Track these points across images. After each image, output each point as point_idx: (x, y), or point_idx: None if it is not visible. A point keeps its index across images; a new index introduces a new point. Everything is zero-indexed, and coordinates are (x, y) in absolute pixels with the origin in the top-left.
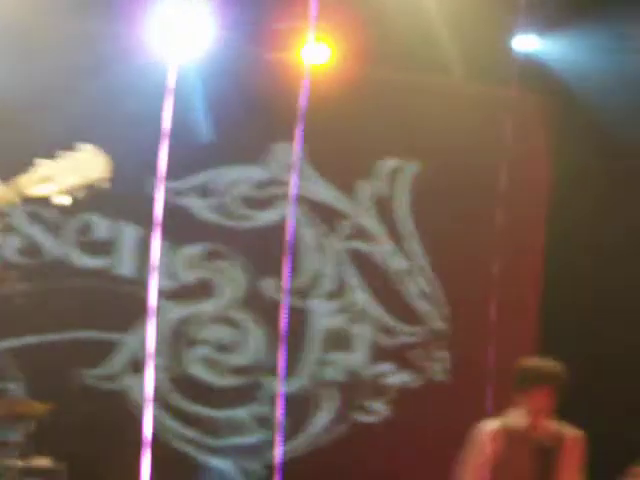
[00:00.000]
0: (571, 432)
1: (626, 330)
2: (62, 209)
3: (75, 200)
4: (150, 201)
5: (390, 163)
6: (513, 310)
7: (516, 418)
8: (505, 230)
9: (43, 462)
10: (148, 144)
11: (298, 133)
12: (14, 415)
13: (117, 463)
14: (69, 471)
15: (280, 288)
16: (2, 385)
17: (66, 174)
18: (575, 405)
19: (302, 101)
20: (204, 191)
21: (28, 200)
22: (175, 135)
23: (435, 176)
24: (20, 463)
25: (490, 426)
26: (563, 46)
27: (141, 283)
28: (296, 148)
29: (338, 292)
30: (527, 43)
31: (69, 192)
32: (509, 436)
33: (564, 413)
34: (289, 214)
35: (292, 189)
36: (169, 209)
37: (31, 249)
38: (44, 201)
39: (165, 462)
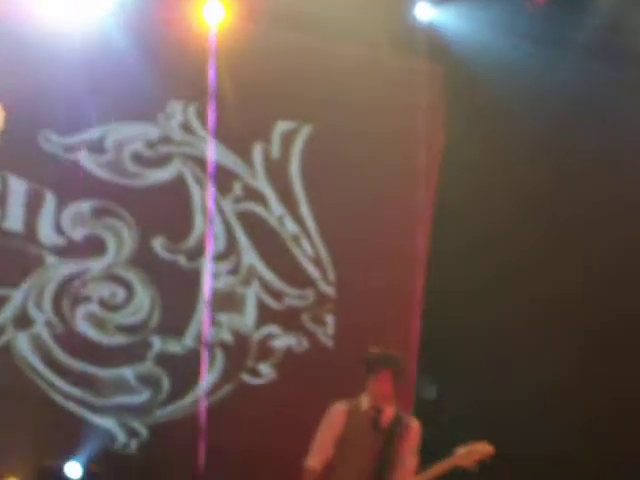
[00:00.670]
0: (412, 420)
1: None
2: None
3: None
4: (40, 155)
5: (284, 125)
6: (400, 275)
7: (363, 401)
8: (392, 197)
9: None
10: (40, 96)
11: (194, 92)
12: None
13: (4, 418)
14: None
15: (170, 247)
16: None
17: None
18: None
19: (199, 61)
20: (96, 147)
21: None
22: (68, 88)
23: (329, 140)
24: None
25: (339, 406)
26: (461, 17)
27: (28, 237)
28: (190, 107)
29: (228, 253)
30: (428, 12)
31: None
32: (354, 417)
33: None
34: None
35: (185, 148)
36: (59, 164)
37: None
38: None
39: (50, 419)
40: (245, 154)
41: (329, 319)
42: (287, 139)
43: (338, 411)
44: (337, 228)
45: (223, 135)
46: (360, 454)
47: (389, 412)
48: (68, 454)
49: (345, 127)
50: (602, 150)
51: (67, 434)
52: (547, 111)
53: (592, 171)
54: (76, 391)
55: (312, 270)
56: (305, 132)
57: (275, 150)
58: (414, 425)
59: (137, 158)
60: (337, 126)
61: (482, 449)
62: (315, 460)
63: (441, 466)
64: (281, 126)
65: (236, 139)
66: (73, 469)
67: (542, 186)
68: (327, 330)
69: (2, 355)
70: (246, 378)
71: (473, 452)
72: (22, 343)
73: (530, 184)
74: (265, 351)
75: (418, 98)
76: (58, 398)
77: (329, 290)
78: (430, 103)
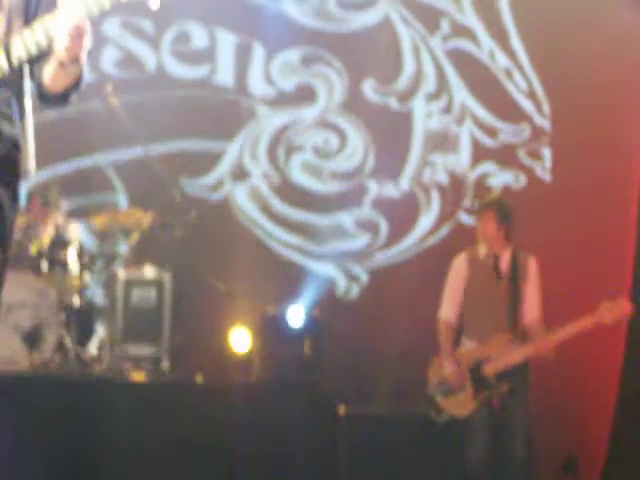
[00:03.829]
0: (529, 258)
1: None
2: (156, 18)
3: (169, 8)
4: (246, 6)
5: None
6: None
7: (480, 249)
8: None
9: (149, 272)
10: None
11: None
12: (119, 227)
13: (221, 271)
14: (174, 281)
15: (380, 90)
16: (107, 197)
17: None
18: None
19: None
20: None
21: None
22: None
23: None
24: (127, 274)
25: (460, 257)
26: None
27: (239, 90)
28: None
29: (439, 92)
30: None
31: None
32: (475, 266)
33: None
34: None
35: None
36: (265, 14)
37: (128, 61)
38: (136, 10)
39: (271, 269)
40: None
41: (546, 153)
42: None
43: (460, 262)
44: (550, 59)
45: None
46: (488, 301)
47: (506, 255)
48: (290, 301)
49: None
50: None
51: (288, 282)
52: None
53: None
54: (295, 239)
55: (526, 104)
56: None
57: None
58: (532, 262)
59: (342, 2)
60: None
61: (624, 306)
62: (449, 312)
63: (583, 321)
64: None
65: None
66: (296, 315)
67: None
68: (545, 164)
69: (221, 208)
70: (463, 218)
71: (615, 308)
72: (240, 195)
73: None
74: (482, 189)
75: None
76: (278, 247)
77: (545, 123)
78: None
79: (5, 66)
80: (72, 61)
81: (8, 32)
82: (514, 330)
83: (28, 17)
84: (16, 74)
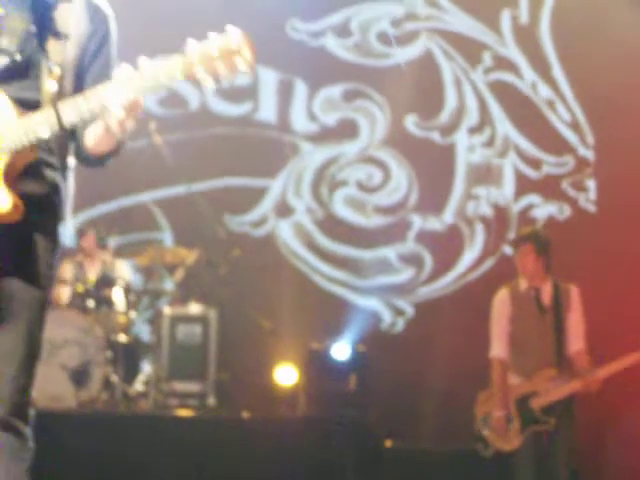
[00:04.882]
0: (570, 287)
1: None
2: None
3: None
4: (287, 43)
5: None
6: None
7: (520, 282)
8: None
9: (194, 309)
10: None
11: None
12: (164, 264)
13: (266, 307)
14: (219, 317)
15: (423, 124)
16: (152, 235)
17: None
18: None
19: None
20: (342, 30)
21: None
22: None
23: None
24: (172, 310)
25: (501, 293)
26: None
27: (282, 127)
28: None
29: (482, 125)
30: None
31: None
32: (517, 300)
33: None
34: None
35: (431, 23)
36: (306, 51)
37: (172, 99)
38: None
39: (315, 303)
40: (493, 22)
41: (590, 184)
42: (535, 2)
43: (503, 297)
44: (593, 89)
45: (469, 5)
46: (532, 335)
47: (547, 287)
48: (335, 336)
49: None
50: None
51: (332, 317)
52: None
53: None
54: (340, 274)
55: (570, 135)
56: None
57: (523, 14)
58: (573, 290)
59: (383, 38)
60: None
61: None
62: (500, 349)
63: (631, 358)
64: None
65: (482, 7)
66: (341, 350)
67: None
68: (589, 195)
69: (265, 244)
70: (508, 251)
71: None
72: (284, 231)
73: None
74: (526, 222)
75: None
76: (322, 282)
77: (588, 154)
78: None
79: (55, 127)
80: (122, 132)
81: (60, 91)
82: (560, 362)
83: (80, 75)
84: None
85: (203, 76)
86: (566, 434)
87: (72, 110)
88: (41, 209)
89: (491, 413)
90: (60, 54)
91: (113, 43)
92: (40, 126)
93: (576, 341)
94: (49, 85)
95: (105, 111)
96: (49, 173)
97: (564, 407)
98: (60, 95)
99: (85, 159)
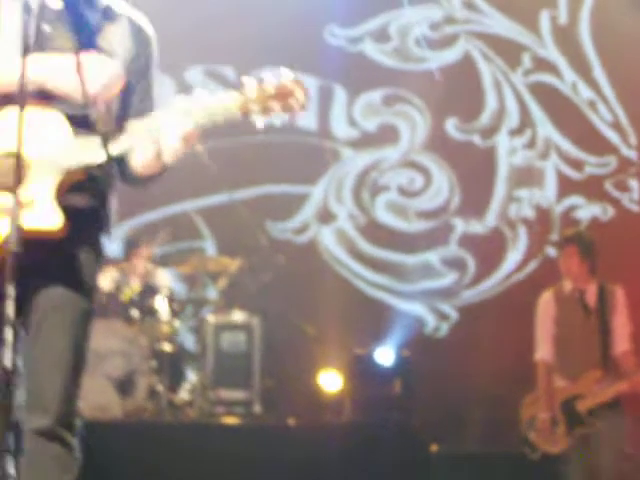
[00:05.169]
0: (615, 288)
1: None
2: (238, 64)
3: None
4: (326, 49)
5: None
6: None
7: (565, 284)
8: None
9: (238, 317)
10: None
11: None
12: (207, 272)
13: (310, 313)
14: (263, 324)
15: (463, 128)
16: (194, 244)
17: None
18: None
19: None
20: (380, 35)
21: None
22: None
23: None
24: (216, 319)
25: (545, 295)
26: None
27: (323, 133)
28: None
29: (523, 127)
30: None
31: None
32: (561, 302)
33: None
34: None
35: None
36: (345, 56)
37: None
38: (217, 56)
39: (359, 309)
40: (532, 23)
41: (634, 184)
42: (575, 2)
43: (547, 300)
44: (634, 89)
45: (507, 6)
46: (578, 337)
47: (592, 289)
48: (379, 341)
49: None
50: None
51: (376, 322)
52: None
53: None
54: (383, 279)
55: (612, 135)
56: None
57: (562, 15)
58: (619, 291)
59: (421, 41)
60: None
61: None
62: (545, 352)
63: None
64: None
65: (521, 9)
66: (385, 355)
67: None
68: (632, 195)
69: (308, 251)
70: (551, 252)
71: None
72: (326, 237)
73: None
74: (569, 223)
75: None
76: (365, 287)
77: (631, 154)
78: None
79: (112, 152)
80: (173, 159)
81: (108, 112)
82: (605, 364)
83: (126, 97)
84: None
85: (258, 114)
86: (613, 436)
87: (128, 136)
88: (87, 222)
89: (537, 416)
90: None
91: (155, 64)
92: (96, 150)
93: (622, 342)
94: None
95: (160, 139)
96: (96, 186)
97: (610, 409)
98: (108, 115)
99: (130, 179)
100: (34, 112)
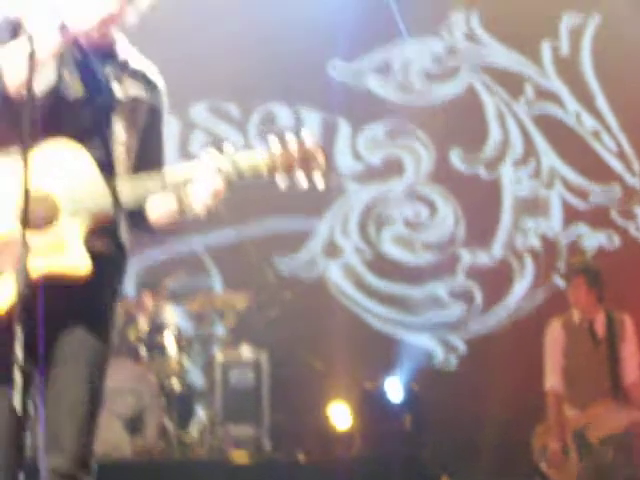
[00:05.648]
0: (623, 316)
1: None
2: (241, 101)
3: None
4: (329, 84)
5: (570, 19)
6: None
7: (574, 314)
8: None
9: (246, 353)
10: (324, 22)
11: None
12: (215, 309)
13: (318, 348)
14: (271, 360)
15: (468, 159)
16: (201, 281)
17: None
18: None
19: None
20: (383, 68)
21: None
22: (352, 9)
23: (619, 29)
24: (224, 355)
25: (554, 324)
26: None
27: (328, 167)
28: (473, 16)
29: (527, 158)
30: None
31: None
32: (570, 331)
33: None
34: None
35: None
36: (349, 90)
37: (216, 144)
38: (221, 93)
39: (367, 343)
40: (533, 54)
41: (639, 212)
42: (576, 32)
43: (556, 329)
44: (637, 117)
45: (508, 37)
46: (587, 366)
47: (600, 318)
48: (388, 375)
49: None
50: None
51: (385, 355)
52: None
53: None
54: (390, 312)
55: (616, 164)
56: (594, 22)
57: (564, 45)
58: (627, 320)
59: (424, 75)
60: (627, 14)
61: None
62: (555, 382)
63: None
64: (569, 20)
65: (522, 39)
66: (394, 390)
67: None
68: (638, 223)
69: (315, 285)
70: (558, 282)
71: None
72: (334, 272)
73: None
74: (575, 252)
75: None
76: (373, 321)
77: (636, 182)
78: None
79: (140, 200)
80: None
81: (128, 158)
82: (616, 393)
83: (141, 158)
84: None
85: (282, 174)
86: (625, 465)
87: (155, 186)
88: (108, 266)
89: (548, 445)
90: None
91: (164, 117)
92: (126, 196)
93: (632, 371)
94: (119, 151)
95: (188, 194)
96: (117, 231)
97: (622, 439)
98: (129, 161)
99: (142, 227)
100: (63, 149)
